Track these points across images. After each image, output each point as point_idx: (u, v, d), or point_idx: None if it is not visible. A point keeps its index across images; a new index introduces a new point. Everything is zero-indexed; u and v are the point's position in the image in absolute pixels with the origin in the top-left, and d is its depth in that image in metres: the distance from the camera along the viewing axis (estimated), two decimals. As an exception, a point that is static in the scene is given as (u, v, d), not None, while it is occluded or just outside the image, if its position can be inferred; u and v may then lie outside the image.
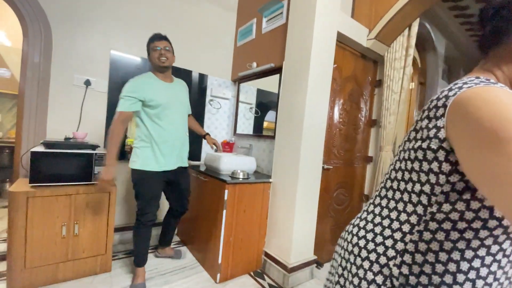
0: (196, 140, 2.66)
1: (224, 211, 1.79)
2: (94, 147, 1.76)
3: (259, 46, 2.42)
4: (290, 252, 1.83)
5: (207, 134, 2.07)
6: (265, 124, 2.57)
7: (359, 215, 0.65)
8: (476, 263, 0.46)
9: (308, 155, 1.86)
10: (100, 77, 2.13)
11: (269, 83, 2.37)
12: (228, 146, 2.72)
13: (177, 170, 1.80)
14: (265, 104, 2.56)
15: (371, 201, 0.63)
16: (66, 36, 1.98)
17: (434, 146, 0.47)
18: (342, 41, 2.08)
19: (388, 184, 0.58)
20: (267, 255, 2.01)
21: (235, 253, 1.88)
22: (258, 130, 2.56)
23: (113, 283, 1.68)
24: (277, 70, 2.16)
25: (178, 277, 1.83)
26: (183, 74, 2.52)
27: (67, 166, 1.65)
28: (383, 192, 0.59)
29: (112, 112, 2.16)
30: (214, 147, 2.03)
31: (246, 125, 2.70)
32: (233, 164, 2.08)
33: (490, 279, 0.46)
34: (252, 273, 1.97)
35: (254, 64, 2.41)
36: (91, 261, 1.74)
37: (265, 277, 1.94)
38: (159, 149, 1.67)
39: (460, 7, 3.03)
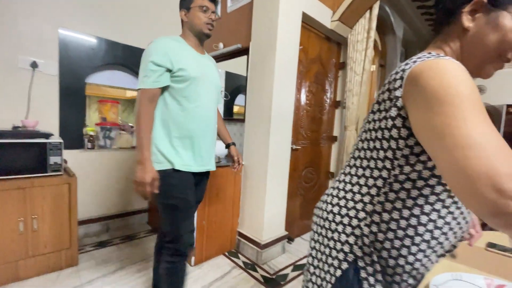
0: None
1: (196, 196, 1.78)
2: (47, 135, 1.62)
3: (225, 26, 2.34)
4: (262, 230, 1.91)
5: (233, 143, 1.56)
6: (235, 108, 2.55)
7: (332, 185, 0.70)
8: (433, 215, 0.53)
9: (277, 137, 1.90)
10: (49, 59, 1.91)
11: (237, 66, 2.33)
12: (197, 131, 2.67)
13: (203, 175, 1.34)
14: (235, 87, 2.52)
15: (342, 171, 0.68)
16: (5, 12, 1.72)
17: (393, 114, 0.52)
18: (307, 22, 2.10)
19: (356, 154, 0.63)
20: (240, 235, 2.07)
21: (209, 236, 1.91)
22: (228, 114, 2.53)
23: (81, 276, 1.62)
24: (245, 51, 2.12)
25: (151, 264, 1.81)
26: (145, 56, 2.36)
27: (18, 157, 1.50)
28: (352, 162, 0.64)
29: (67, 98, 1.99)
30: (235, 165, 1.55)
31: (215, 109, 2.66)
32: (203, 148, 2.05)
33: (445, 228, 0.54)
34: (226, 253, 2.03)
35: (221, 45, 2.34)
36: (55, 256, 1.65)
37: (240, 255, 2.01)
38: (193, 143, 1.19)
39: (418, -8, 3.18)
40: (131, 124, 2.42)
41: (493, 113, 5.66)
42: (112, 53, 2.20)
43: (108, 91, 2.53)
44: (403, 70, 0.50)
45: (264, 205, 1.90)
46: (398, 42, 3.49)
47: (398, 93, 0.50)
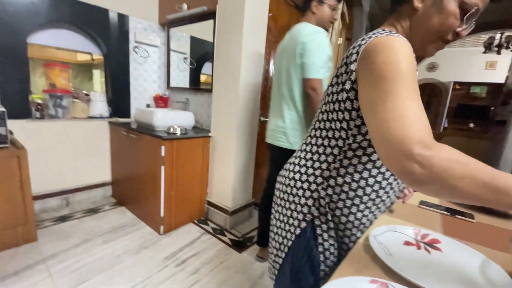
0: (123, 94, 2.40)
1: (163, 167, 1.76)
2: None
3: (189, -15, 2.15)
4: (230, 197, 1.99)
5: None
6: (203, 77, 2.44)
7: (294, 154, 0.75)
8: (379, 177, 0.62)
9: (246, 108, 1.91)
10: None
11: (203, 31, 2.19)
12: (162, 101, 2.55)
13: None
14: (201, 54, 2.39)
15: (304, 141, 0.73)
16: None
17: (347, 87, 0.56)
18: (277, -12, 2.02)
19: (317, 125, 0.67)
20: (209, 203, 2.13)
21: (178, 205, 1.94)
22: (195, 83, 2.43)
23: (42, 251, 1.57)
24: (211, 14, 2.00)
25: (118, 235, 1.82)
26: (96, 14, 2.10)
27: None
28: (313, 132, 0.69)
29: (5, 61, 1.72)
30: None
31: (181, 78, 2.53)
32: (168, 120, 1.99)
33: (387, 188, 0.64)
34: (196, 221, 2.09)
35: (185, 6, 2.17)
36: (10, 232, 1.56)
37: (209, 222, 2.09)
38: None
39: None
40: (85, 92, 2.22)
41: (442, 88, 6.23)
42: (58, 9, 1.92)
43: (55, 54, 2.24)
44: (360, 45, 0.54)
45: (232, 175, 1.95)
46: (365, 16, 3.55)
47: (353, 67, 0.54)
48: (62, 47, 2.14)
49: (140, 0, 2.34)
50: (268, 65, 2.21)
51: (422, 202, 0.85)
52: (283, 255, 0.71)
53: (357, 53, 0.53)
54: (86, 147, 2.21)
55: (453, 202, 0.88)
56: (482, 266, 0.52)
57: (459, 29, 0.55)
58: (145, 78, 2.55)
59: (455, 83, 5.98)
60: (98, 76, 2.52)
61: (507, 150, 1.27)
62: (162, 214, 1.84)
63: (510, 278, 0.46)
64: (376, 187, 0.62)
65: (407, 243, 0.60)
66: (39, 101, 1.96)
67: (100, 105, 2.22)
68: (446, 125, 6.12)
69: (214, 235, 1.91)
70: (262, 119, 2.23)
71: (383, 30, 0.56)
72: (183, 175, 1.92)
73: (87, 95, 2.22)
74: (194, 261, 1.61)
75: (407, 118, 0.41)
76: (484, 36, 4.68)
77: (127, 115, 2.46)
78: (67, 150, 2.11)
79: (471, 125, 5.84)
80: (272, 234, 0.78)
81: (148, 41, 2.45)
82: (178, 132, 1.86)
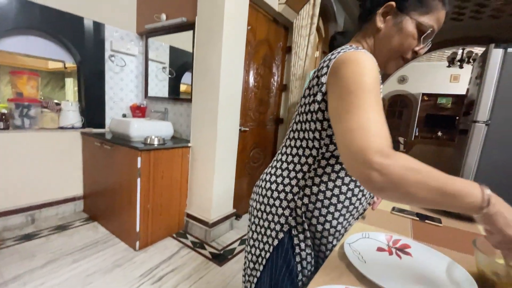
0: (98, 103, 2.31)
1: (139, 179, 1.70)
2: None
3: (168, -4, 2.15)
4: (211, 209, 1.95)
5: None
6: (183, 87, 2.42)
7: (270, 164, 0.75)
8: (351, 185, 0.64)
9: (226, 118, 1.90)
10: None
11: (183, 41, 2.19)
12: (139, 111, 2.49)
13: None
14: (181, 64, 2.38)
15: (279, 151, 0.74)
16: None
17: (319, 98, 0.59)
18: (256, 2, 2.07)
19: (291, 135, 0.69)
20: (189, 216, 2.07)
21: (155, 219, 1.86)
22: (174, 93, 2.40)
23: (3, 275, 1.43)
24: (191, 25, 2.01)
25: (89, 253, 1.70)
26: (70, 21, 2.04)
27: None
28: (288, 143, 0.70)
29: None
30: None
31: (159, 87, 2.49)
32: (145, 130, 1.94)
33: (360, 195, 0.66)
34: (174, 235, 2.02)
35: (164, 16, 2.16)
36: (-36, 255, 1.41)
37: (188, 236, 2.02)
38: None
39: (356, -17, 3.40)
40: (56, 101, 2.11)
41: (412, 100, 6.63)
42: (28, 15, 1.83)
43: (24, 61, 2.13)
44: (330, 60, 0.57)
45: (213, 185, 1.92)
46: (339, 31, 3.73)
47: (323, 79, 0.57)
48: (32, 54, 2.04)
49: (118, 9, 2.31)
50: (248, 76, 2.24)
51: (394, 208, 0.89)
52: (261, 267, 0.70)
53: (327, 66, 0.56)
54: (56, 159, 2.08)
55: (423, 208, 0.92)
56: (449, 269, 0.54)
57: (417, 48, 0.59)
58: (122, 87, 2.48)
59: (423, 94, 6.39)
60: (70, 85, 2.41)
61: (469, 157, 1.37)
62: (137, 229, 1.76)
63: (474, 280, 0.49)
64: (349, 194, 0.64)
65: (379, 249, 0.61)
66: (4, 110, 1.84)
67: (72, 115, 2.12)
68: (417, 134, 6.48)
69: (194, 249, 1.85)
70: (243, 128, 2.24)
71: (351, 46, 0.60)
72: (161, 187, 1.86)
73: (58, 104, 2.11)
74: (172, 277, 1.54)
75: (368, 129, 0.44)
76: (448, 52, 5.08)
77: (102, 125, 2.37)
78: (34, 162, 1.97)
79: (439, 133, 6.23)
80: (248, 248, 0.76)
81: (125, 50, 2.40)
82: (156, 142, 1.81)
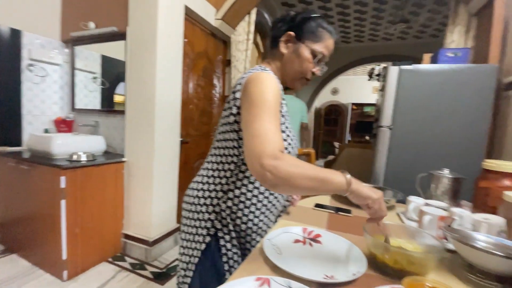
0: (12, 118, 2.01)
1: (63, 202, 1.53)
2: None
3: (97, 2, 2.04)
4: (151, 227, 1.85)
5: None
6: (117, 98, 2.27)
7: (198, 173, 0.79)
8: (261, 189, 0.71)
9: (164, 130, 1.86)
10: None
11: (117, 50, 2.08)
12: (65, 125, 2.24)
13: None
14: (115, 74, 2.24)
15: (205, 160, 0.78)
16: None
17: (234, 111, 0.67)
18: (192, 16, 2.12)
19: (215, 144, 0.75)
20: (126, 236, 1.93)
21: (86, 244, 1.68)
22: (107, 104, 2.23)
23: None
24: (122, 35, 1.93)
25: (0, 293, 1.44)
26: (-28, 24, 1.76)
27: None
28: (212, 151, 0.75)
29: None
30: None
31: (90, 99, 2.29)
32: (71, 146, 1.76)
33: (277, 194, 0.74)
34: (110, 259, 1.85)
35: (92, 25, 2.03)
36: None
37: (126, 258, 1.87)
38: None
39: (289, 4, 3.75)
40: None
41: (344, 109, 7.44)
42: None
43: None
44: (243, 78, 0.66)
45: (152, 201, 1.83)
46: (277, 46, 4.01)
47: (238, 95, 0.66)
48: None
49: (39, 15, 2.08)
50: (187, 88, 2.24)
51: (317, 205, 1.00)
52: (191, 273, 0.72)
53: (241, 84, 0.65)
54: (-49, 186, 1.73)
55: (342, 202, 1.06)
56: (348, 250, 0.64)
57: (314, 70, 0.73)
58: (43, 100, 2.21)
59: (352, 104, 7.25)
60: (-28, 97, 2.05)
61: (379, 156, 1.64)
62: (64, 257, 1.57)
63: (364, 256, 0.59)
64: (266, 193, 0.72)
65: (296, 241, 0.69)
66: None
67: (-26, 132, 1.80)
68: (350, 139, 7.27)
69: (133, 271, 1.72)
70: (184, 140, 2.21)
71: (260, 66, 0.70)
72: (91, 207, 1.70)
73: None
74: (106, 305, 1.41)
75: (265, 137, 0.53)
76: (369, 67, 5.90)
77: (18, 143, 2.06)
78: None
79: (367, 137, 7.11)
80: (179, 256, 0.78)
81: (47, 59, 2.16)
82: (84, 159, 1.66)
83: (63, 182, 1.51)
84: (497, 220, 0.68)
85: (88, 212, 1.68)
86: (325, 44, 0.70)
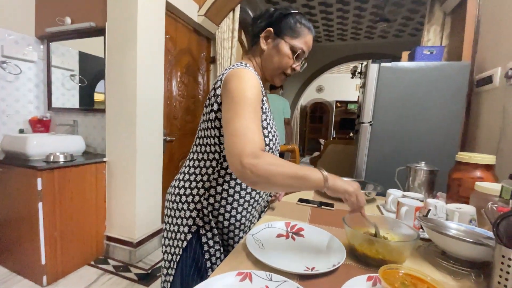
0: (-20, 118, 1.90)
1: (41, 204, 1.47)
2: None
3: (73, -3, 1.96)
4: (135, 228, 1.81)
5: None
6: (98, 96, 2.19)
7: (180, 170, 0.78)
8: (243, 185, 0.71)
9: (146, 128, 1.82)
10: None
11: (96, 46, 2.00)
12: (41, 125, 2.15)
13: None
14: (95, 71, 2.15)
15: (188, 157, 0.77)
16: None
17: (215, 108, 0.66)
18: (173, 12, 2.07)
19: (197, 141, 0.74)
20: (109, 238, 1.88)
21: (66, 247, 1.62)
22: (87, 103, 2.15)
23: None
24: (100, 31, 1.86)
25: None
26: None
27: None
28: (194, 149, 0.74)
29: None
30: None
31: (67, 97, 2.20)
32: (48, 146, 1.69)
33: (253, 193, 0.73)
34: (92, 262, 1.79)
35: (68, 20, 1.95)
36: None
37: (110, 261, 1.82)
38: None
39: (273, 1, 3.75)
40: None
41: (328, 106, 7.57)
42: None
43: None
44: (223, 74, 0.65)
45: (135, 202, 1.79)
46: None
47: (218, 91, 0.65)
48: None
49: (12, 9, 1.97)
50: (171, 85, 2.20)
51: (300, 200, 1.02)
52: (173, 271, 0.71)
53: (221, 80, 0.65)
54: None
55: (325, 197, 1.08)
56: (329, 242, 0.66)
57: (294, 66, 0.73)
58: (17, 98, 2.10)
59: (337, 101, 7.38)
60: None
61: (361, 151, 1.68)
62: (43, 261, 1.51)
63: (344, 247, 0.61)
64: (249, 189, 0.72)
65: (279, 235, 0.70)
66: None
67: None
68: (334, 135, 7.41)
69: (116, 274, 1.68)
70: (168, 138, 2.17)
71: (241, 63, 0.70)
72: (71, 210, 1.64)
73: None
74: (88, 309, 1.37)
75: (245, 136, 0.54)
76: (352, 65, 6.02)
77: (-12, 144, 1.94)
78: None
79: (351, 134, 7.27)
80: (162, 254, 0.77)
81: (21, 56, 2.05)
82: (61, 159, 1.60)
83: (39, 184, 1.44)
84: (469, 209, 0.72)
85: (68, 214, 1.62)
86: (304, 40, 0.71)
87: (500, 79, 1.35)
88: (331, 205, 0.96)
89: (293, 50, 0.70)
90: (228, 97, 0.59)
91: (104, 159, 1.83)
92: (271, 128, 0.73)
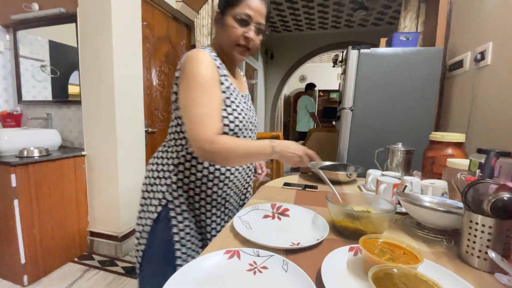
0: None
1: (16, 202, 1.40)
2: None
3: (38, -19, 1.82)
4: (119, 221, 1.78)
5: None
6: (71, 88, 2.08)
7: (158, 149, 0.82)
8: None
9: (126, 120, 1.76)
10: None
11: (68, 34, 1.88)
12: (11, 119, 2.02)
13: None
14: (67, 62, 2.03)
15: (164, 140, 0.81)
16: None
17: (175, 90, 0.71)
18: (150, -2, 1.99)
19: (170, 123, 0.78)
20: (93, 234, 1.83)
21: (46, 245, 1.57)
22: (60, 95, 2.04)
23: None
24: (71, 17, 1.75)
25: None
26: None
27: None
28: (169, 130, 0.79)
29: None
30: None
31: (39, 89, 2.08)
32: (21, 141, 1.60)
33: (223, 169, 0.76)
34: (76, 259, 1.75)
35: (36, 6, 1.82)
36: None
37: (94, 256, 1.79)
38: None
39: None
40: None
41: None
42: None
43: None
44: (184, 57, 0.68)
45: (118, 194, 1.75)
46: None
47: (177, 74, 0.69)
48: None
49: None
50: (150, 74, 2.13)
51: (285, 184, 1.04)
52: (144, 241, 0.76)
53: (181, 63, 0.68)
54: None
55: (309, 180, 1.11)
56: (313, 220, 0.68)
57: (245, 34, 0.69)
58: (-19, 92, 1.96)
59: (319, 91, 7.47)
60: None
61: (342, 136, 1.74)
62: (23, 261, 1.45)
63: (327, 223, 0.64)
64: (218, 165, 0.74)
65: (265, 216, 0.71)
66: None
67: None
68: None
69: (102, 269, 1.65)
70: (150, 130, 2.12)
71: (202, 46, 0.73)
72: (50, 206, 1.58)
73: None
74: (75, 305, 1.35)
75: (201, 123, 0.61)
76: (333, 53, 6.08)
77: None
78: None
79: (334, 122, 7.43)
80: (136, 226, 0.82)
81: (-17, 45, 1.90)
82: (36, 154, 1.52)
83: (13, 180, 1.37)
84: (441, 184, 0.77)
85: (46, 211, 1.56)
86: (246, 4, 0.67)
87: (469, 63, 1.42)
88: (315, 187, 0.99)
89: (236, 19, 0.68)
90: (184, 81, 0.64)
91: (83, 153, 1.76)
92: (237, 106, 0.72)
